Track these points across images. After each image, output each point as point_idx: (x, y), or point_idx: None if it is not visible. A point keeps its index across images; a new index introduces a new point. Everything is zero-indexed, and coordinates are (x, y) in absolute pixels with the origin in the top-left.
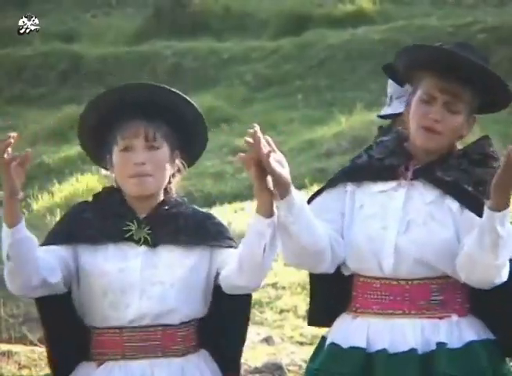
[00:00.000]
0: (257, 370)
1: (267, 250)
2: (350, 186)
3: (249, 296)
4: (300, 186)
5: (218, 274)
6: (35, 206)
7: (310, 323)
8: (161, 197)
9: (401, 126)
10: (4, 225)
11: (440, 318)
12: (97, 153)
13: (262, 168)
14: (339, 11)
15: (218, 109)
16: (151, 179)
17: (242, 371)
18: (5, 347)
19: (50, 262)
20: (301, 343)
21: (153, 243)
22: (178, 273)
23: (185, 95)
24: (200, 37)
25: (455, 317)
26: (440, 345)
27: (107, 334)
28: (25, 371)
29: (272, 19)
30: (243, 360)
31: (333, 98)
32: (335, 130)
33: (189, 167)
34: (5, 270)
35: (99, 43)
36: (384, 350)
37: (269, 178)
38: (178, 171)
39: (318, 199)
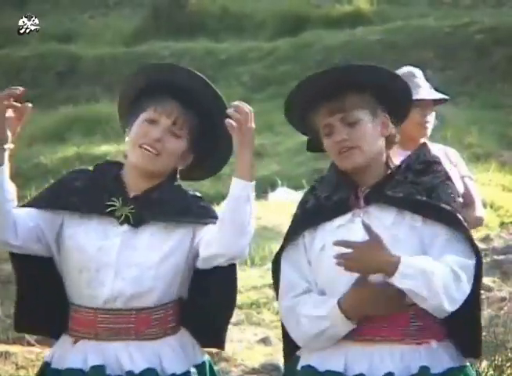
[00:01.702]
0: (254, 370)
1: (252, 213)
2: (307, 235)
3: (233, 268)
4: (297, 187)
5: (198, 245)
6: None
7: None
8: (159, 179)
9: None
10: None
11: (419, 344)
12: (127, 113)
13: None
14: (336, 11)
15: None
16: (156, 158)
17: (239, 371)
18: (2, 348)
19: (22, 224)
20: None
21: (134, 222)
22: (157, 256)
23: (224, 100)
24: (198, 37)
25: (434, 344)
26: (423, 369)
27: (82, 313)
28: (22, 372)
29: (270, 19)
30: (240, 361)
31: None
32: None
33: (207, 177)
34: None
35: (97, 44)
36: (361, 375)
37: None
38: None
39: (284, 277)
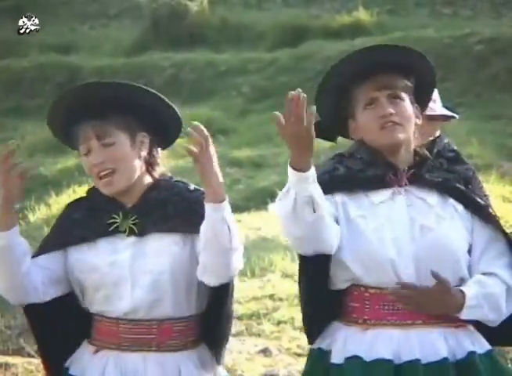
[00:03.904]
0: None
1: (232, 231)
2: (338, 197)
3: (227, 287)
4: None
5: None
6: (32, 218)
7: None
8: (146, 181)
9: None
10: None
11: (456, 327)
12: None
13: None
14: (336, 22)
15: (215, 120)
16: (116, 177)
17: None
18: (2, 359)
19: (41, 281)
20: (299, 355)
21: (139, 232)
22: (167, 261)
23: (124, 82)
24: (197, 48)
25: (471, 327)
26: (471, 354)
27: (105, 323)
28: None
29: (269, 30)
30: (240, 372)
31: None
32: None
33: (168, 146)
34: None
35: (96, 55)
36: (416, 360)
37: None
38: (152, 151)
39: None
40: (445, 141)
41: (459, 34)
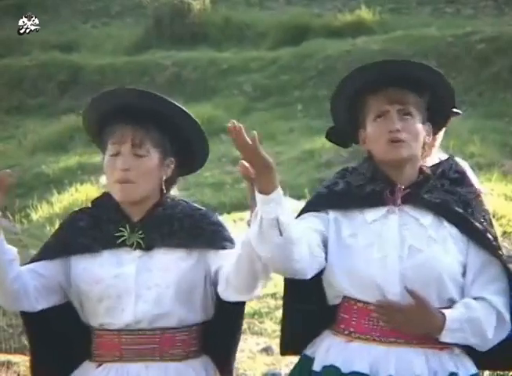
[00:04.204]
0: None
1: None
2: (332, 213)
3: (242, 304)
4: (299, 196)
5: (215, 279)
6: (34, 216)
7: (284, 352)
8: (154, 200)
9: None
10: None
11: (441, 349)
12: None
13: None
14: (338, 21)
15: (218, 119)
16: (134, 186)
17: None
18: (4, 357)
19: (33, 287)
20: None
21: (146, 246)
22: (174, 276)
23: (181, 106)
24: (200, 47)
25: (457, 350)
26: (453, 374)
27: (106, 336)
28: None
29: (271, 29)
30: (242, 370)
31: None
32: None
33: (188, 174)
34: None
35: (98, 53)
36: None
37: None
38: (176, 177)
39: (298, 218)
40: (453, 162)
41: (462, 32)
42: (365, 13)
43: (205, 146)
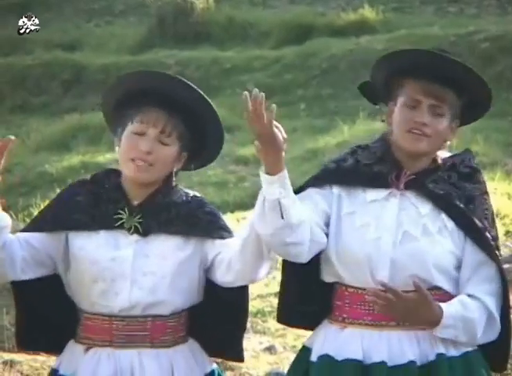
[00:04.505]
0: None
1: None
2: (336, 189)
3: (245, 287)
4: None
5: (210, 266)
6: None
7: (280, 320)
8: (157, 186)
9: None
10: None
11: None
12: (113, 121)
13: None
14: (341, 20)
15: (221, 118)
16: (150, 169)
17: None
18: (7, 356)
19: (22, 257)
20: None
21: (143, 231)
22: (170, 265)
23: (213, 106)
24: (203, 46)
25: None
26: (440, 355)
27: (96, 320)
28: None
29: (275, 28)
30: (245, 369)
31: (336, 107)
32: (338, 139)
33: (195, 169)
34: None
35: (102, 52)
36: (382, 362)
37: None
38: (180, 168)
39: (303, 193)
40: (468, 156)
41: (465, 31)
42: (368, 12)
43: (219, 149)
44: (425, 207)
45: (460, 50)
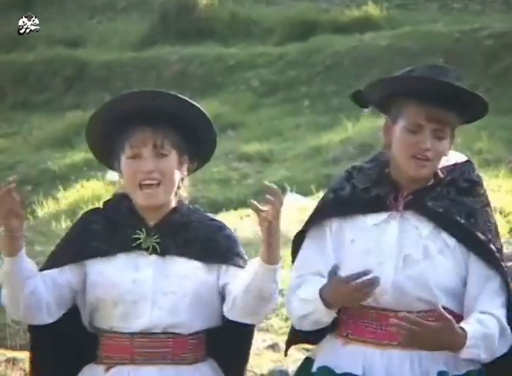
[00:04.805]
0: None
1: (276, 289)
2: (336, 222)
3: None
4: (306, 193)
5: (222, 291)
6: (40, 213)
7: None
8: (172, 204)
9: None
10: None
11: None
12: (105, 158)
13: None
14: (345, 17)
15: (224, 115)
16: (160, 189)
17: None
18: (10, 354)
19: (52, 298)
20: (307, 350)
21: (161, 251)
22: (190, 285)
23: (191, 101)
24: (206, 42)
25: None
26: (441, 373)
27: (116, 339)
28: None
29: (278, 24)
30: (248, 367)
31: (340, 104)
32: (342, 136)
33: (196, 170)
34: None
35: (104, 49)
36: None
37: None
38: (187, 175)
39: (302, 252)
40: (467, 169)
41: (469, 28)
42: (372, 9)
43: (214, 145)
44: (425, 228)
45: (465, 47)
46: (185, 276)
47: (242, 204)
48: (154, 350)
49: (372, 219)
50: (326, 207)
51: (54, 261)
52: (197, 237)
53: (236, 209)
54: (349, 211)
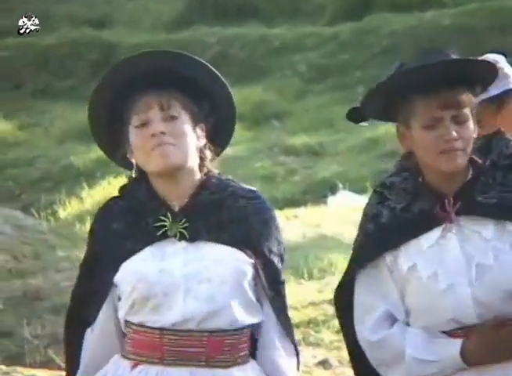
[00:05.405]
0: None
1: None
2: (389, 256)
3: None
4: (360, 190)
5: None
6: (63, 213)
7: None
8: (196, 178)
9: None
10: None
11: None
12: (116, 146)
13: None
14: None
15: (268, 103)
16: (173, 148)
17: None
18: (28, 372)
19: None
20: None
21: (190, 237)
22: (228, 269)
23: (200, 59)
24: (248, 22)
25: None
26: None
27: (146, 334)
28: None
29: (329, 2)
30: None
31: None
32: None
33: (222, 151)
34: None
35: (134, 30)
36: None
37: None
38: (206, 146)
39: (359, 299)
40: (503, 143)
41: None
42: None
43: (232, 111)
44: (488, 229)
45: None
46: (220, 259)
47: (288, 203)
48: (186, 349)
49: (426, 240)
50: (372, 243)
51: (92, 296)
52: (232, 219)
53: (281, 209)
54: (398, 240)
